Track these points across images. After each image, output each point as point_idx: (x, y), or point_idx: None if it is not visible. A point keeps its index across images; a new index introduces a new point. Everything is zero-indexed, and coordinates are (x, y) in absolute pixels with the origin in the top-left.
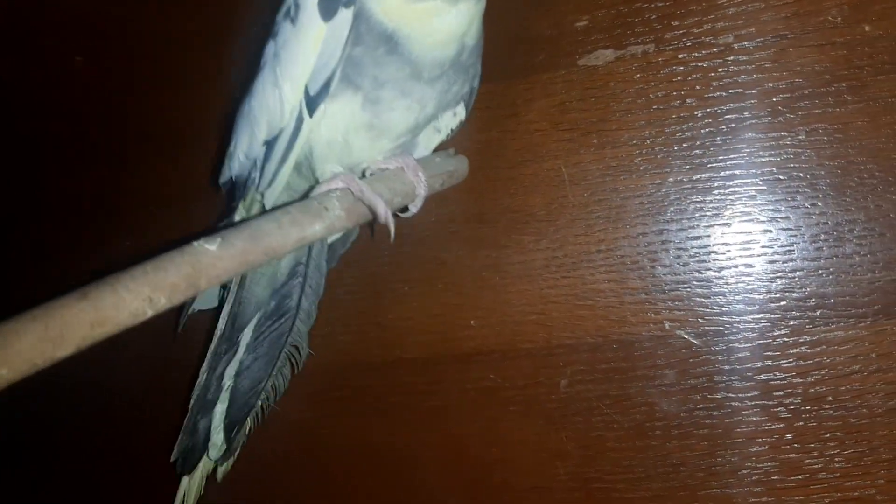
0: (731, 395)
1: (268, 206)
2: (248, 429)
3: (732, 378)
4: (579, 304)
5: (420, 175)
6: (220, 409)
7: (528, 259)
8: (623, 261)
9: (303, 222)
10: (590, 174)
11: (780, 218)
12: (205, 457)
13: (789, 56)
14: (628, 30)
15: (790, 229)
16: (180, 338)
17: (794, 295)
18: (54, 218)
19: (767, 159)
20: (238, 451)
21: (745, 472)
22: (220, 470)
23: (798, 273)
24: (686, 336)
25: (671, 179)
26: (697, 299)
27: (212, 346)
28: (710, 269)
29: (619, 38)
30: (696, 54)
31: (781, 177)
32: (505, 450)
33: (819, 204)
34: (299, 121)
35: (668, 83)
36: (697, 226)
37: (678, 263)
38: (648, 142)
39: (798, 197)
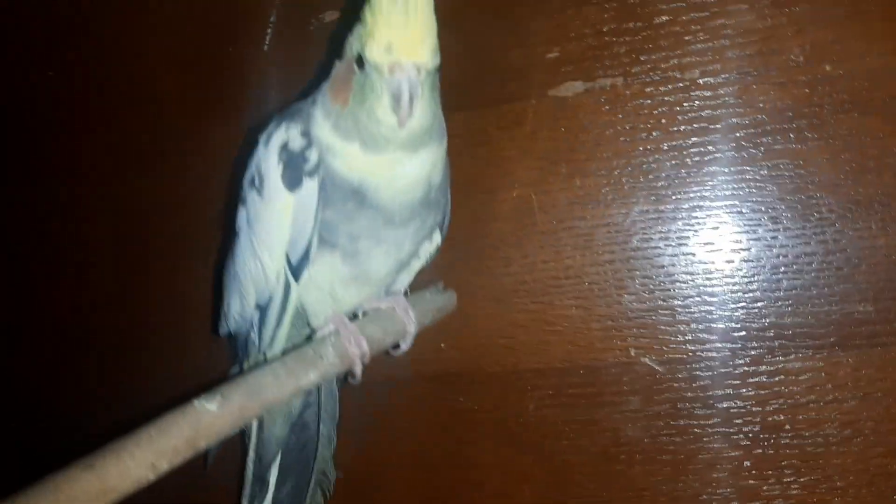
0: (693, 422)
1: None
2: None
3: (695, 405)
4: (547, 329)
5: (410, 314)
6: None
7: (497, 284)
8: (591, 288)
9: (298, 372)
10: (558, 202)
11: (742, 249)
12: None
13: (752, 93)
14: (598, 63)
15: (751, 261)
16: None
17: (755, 325)
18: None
19: (730, 192)
20: None
21: (705, 497)
22: None
23: (758, 304)
24: (651, 363)
25: (637, 209)
26: (662, 327)
27: (245, 490)
28: (674, 298)
29: (588, 70)
30: (663, 88)
31: (744, 209)
32: (472, 472)
33: (780, 237)
34: (287, 287)
35: (635, 116)
36: (662, 255)
37: (644, 291)
38: (616, 172)
39: (759, 230)
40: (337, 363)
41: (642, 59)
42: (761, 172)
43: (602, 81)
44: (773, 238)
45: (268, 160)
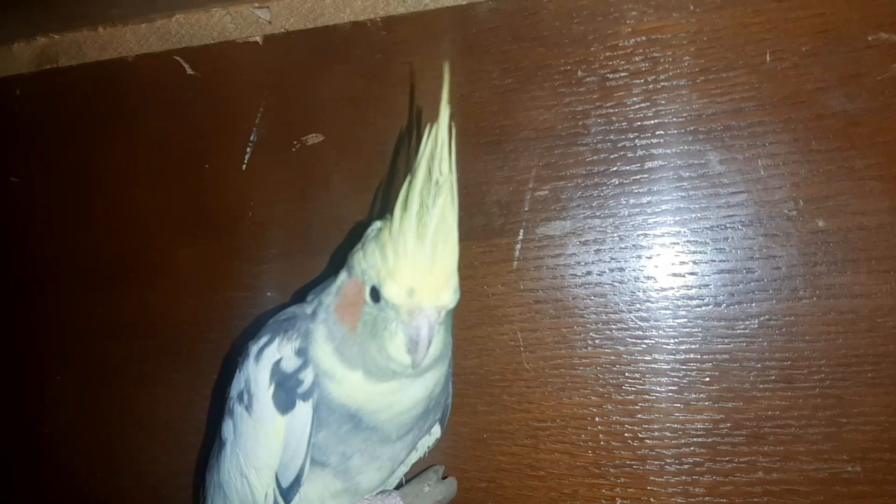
0: None
1: None
2: None
3: None
4: (531, 473)
5: None
6: None
7: (481, 424)
8: (577, 432)
9: None
10: (545, 342)
11: (730, 400)
12: None
13: (744, 243)
14: (587, 203)
15: (740, 414)
16: None
17: (742, 479)
18: None
19: (721, 345)
20: None
21: None
22: None
23: (746, 458)
24: None
25: (624, 349)
26: (651, 478)
27: None
28: (662, 449)
29: (577, 209)
30: (653, 232)
31: (733, 361)
32: None
33: (768, 393)
34: None
35: (623, 257)
36: (655, 404)
37: (632, 440)
38: (603, 313)
39: (746, 383)
40: None
41: (632, 202)
42: (752, 324)
43: (591, 222)
44: (763, 390)
45: (258, 378)
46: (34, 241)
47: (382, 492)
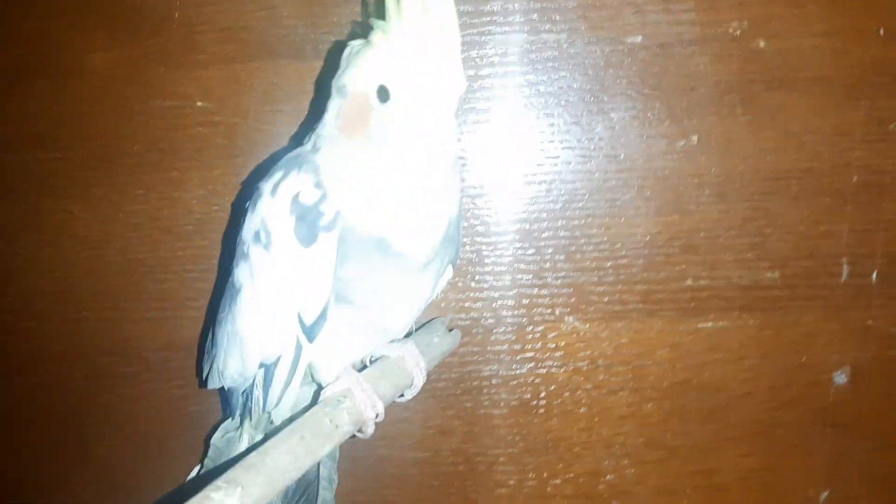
0: (611, 378)
1: (276, 422)
2: None
3: (612, 362)
4: (475, 286)
5: (421, 365)
6: None
7: None
8: (523, 247)
9: (315, 448)
10: (492, 158)
11: (668, 214)
12: None
13: (689, 62)
14: (545, 16)
15: (675, 227)
16: None
17: (673, 287)
18: None
19: (664, 160)
20: None
21: (617, 447)
22: None
23: (678, 267)
24: (574, 322)
25: (567, 174)
26: (589, 287)
27: None
28: (601, 261)
29: (533, 22)
30: (606, 49)
31: (673, 178)
32: (392, 426)
33: (701, 205)
34: (299, 347)
35: (577, 73)
36: (596, 219)
37: (573, 252)
38: (549, 130)
39: (683, 198)
40: (351, 429)
41: (589, 16)
42: (692, 142)
43: (545, 36)
44: (697, 205)
45: (276, 213)
46: None
47: (395, 340)
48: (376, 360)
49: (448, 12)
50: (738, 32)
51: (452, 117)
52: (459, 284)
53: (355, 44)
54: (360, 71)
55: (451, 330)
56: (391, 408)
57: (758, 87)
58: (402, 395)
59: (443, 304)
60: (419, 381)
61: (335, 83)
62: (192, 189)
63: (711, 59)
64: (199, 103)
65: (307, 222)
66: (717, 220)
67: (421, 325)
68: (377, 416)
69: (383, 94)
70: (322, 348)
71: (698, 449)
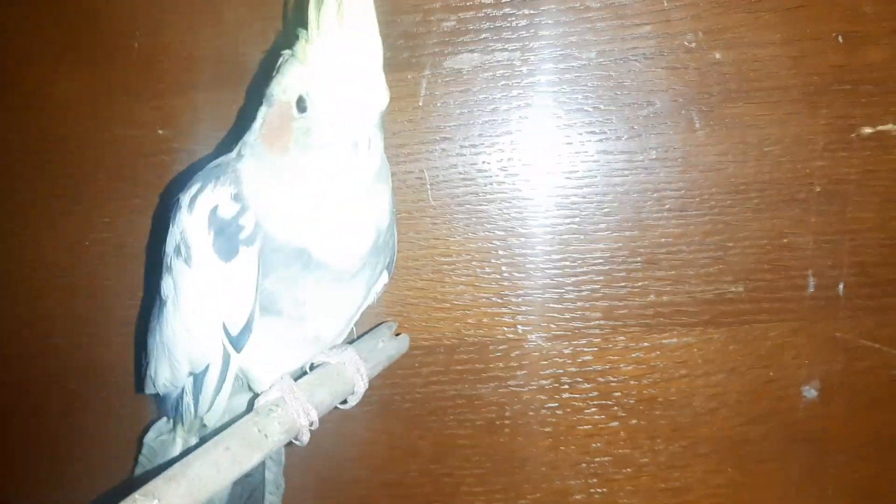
0: (575, 395)
1: (210, 426)
2: None
3: (577, 380)
4: (437, 306)
5: (362, 371)
6: None
7: None
8: (481, 265)
9: (242, 458)
10: (451, 179)
11: (628, 230)
12: None
13: (647, 76)
14: (496, 35)
15: (635, 242)
16: None
17: (636, 303)
18: None
19: (620, 174)
20: None
21: (583, 465)
22: None
23: (640, 283)
24: (537, 340)
25: (528, 187)
26: (550, 305)
27: None
28: (562, 277)
29: (486, 42)
30: (561, 66)
31: (631, 191)
32: (357, 447)
33: (662, 219)
34: (227, 357)
35: (532, 92)
36: (552, 235)
37: (534, 271)
38: (509, 149)
39: (643, 211)
40: (283, 438)
41: (541, 34)
42: (651, 156)
43: (499, 55)
44: (658, 219)
45: (194, 228)
46: None
47: (337, 346)
48: (317, 366)
49: (367, 25)
50: (694, 44)
51: (374, 129)
52: (421, 305)
53: (286, 53)
54: (284, 80)
55: (397, 335)
56: (356, 429)
57: (715, 98)
58: (344, 402)
59: (406, 325)
60: (360, 387)
61: (265, 92)
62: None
63: (668, 72)
64: (160, 131)
65: (226, 236)
66: (678, 234)
67: (367, 331)
68: (311, 423)
69: (302, 104)
70: (253, 358)
71: (667, 466)
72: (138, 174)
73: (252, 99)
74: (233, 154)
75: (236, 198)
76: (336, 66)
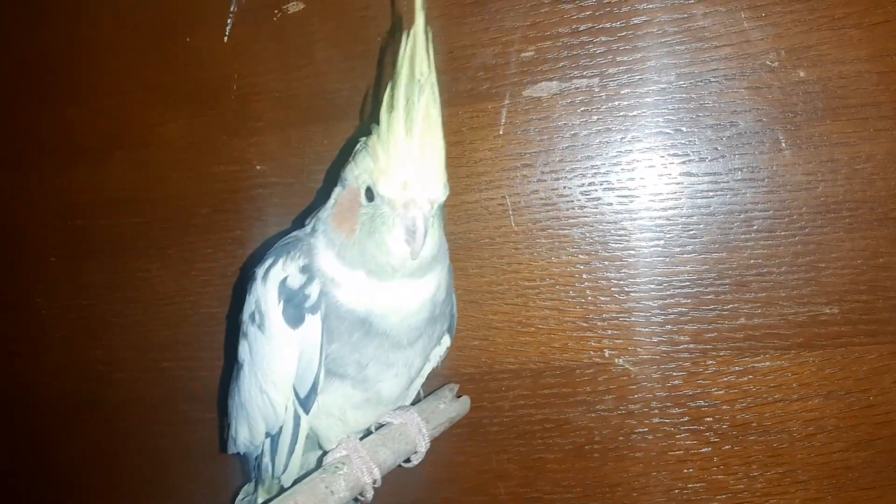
0: (665, 420)
1: (286, 485)
2: None
3: (667, 404)
4: (522, 330)
5: (423, 431)
6: None
7: (473, 286)
8: (565, 289)
9: None
10: (533, 205)
11: (715, 252)
12: None
13: (728, 96)
14: (574, 63)
15: (723, 264)
16: None
17: (725, 326)
18: None
19: (704, 197)
20: None
21: (676, 491)
22: None
23: (730, 306)
24: (624, 364)
25: (611, 211)
26: (637, 328)
27: None
28: (648, 300)
29: (564, 70)
30: (640, 90)
31: (717, 213)
32: (447, 469)
33: (751, 240)
34: (297, 418)
35: (610, 117)
36: (637, 257)
37: (618, 293)
38: (590, 174)
39: (731, 233)
40: (348, 495)
41: (618, 60)
42: (736, 177)
43: (577, 82)
44: (746, 240)
45: (267, 298)
46: (17, 121)
47: (400, 408)
48: (382, 426)
49: (431, 132)
50: (776, 64)
51: (431, 219)
52: (506, 329)
53: (363, 140)
54: (357, 168)
55: (459, 396)
56: (446, 451)
57: (801, 117)
58: (408, 461)
59: (491, 350)
60: (422, 447)
61: (341, 173)
62: (254, 246)
63: (750, 92)
64: (258, 167)
65: (294, 304)
66: (767, 255)
67: (430, 393)
68: (374, 481)
69: (370, 193)
70: (321, 418)
71: (763, 493)
72: (238, 207)
73: (339, 135)
74: (307, 228)
75: (304, 269)
76: (400, 167)
